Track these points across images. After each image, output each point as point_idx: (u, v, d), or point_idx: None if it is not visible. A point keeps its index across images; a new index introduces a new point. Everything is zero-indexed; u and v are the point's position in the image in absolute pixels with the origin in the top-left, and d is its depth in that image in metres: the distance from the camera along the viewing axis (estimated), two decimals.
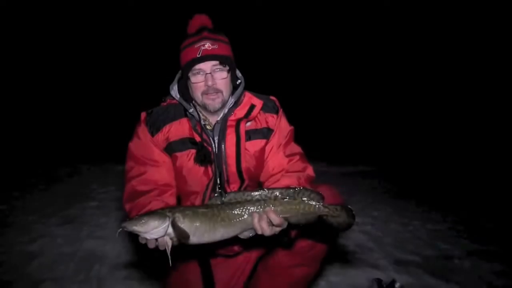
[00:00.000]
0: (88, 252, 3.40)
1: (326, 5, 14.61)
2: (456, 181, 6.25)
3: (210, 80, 1.91)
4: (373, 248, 3.60)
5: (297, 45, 14.89)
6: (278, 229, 1.67)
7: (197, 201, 2.07)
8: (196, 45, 1.91)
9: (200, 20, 2.02)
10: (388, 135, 9.84)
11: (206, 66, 1.91)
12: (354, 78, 13.74)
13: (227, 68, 1.96)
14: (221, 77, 1.94)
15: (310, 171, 2.08)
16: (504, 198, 5.27)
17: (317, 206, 1.68)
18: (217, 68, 1.93)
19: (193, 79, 1.94)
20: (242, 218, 1.66)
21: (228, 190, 2.07)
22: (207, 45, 1.91)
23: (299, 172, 2.03)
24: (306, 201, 1.67)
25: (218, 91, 1.94)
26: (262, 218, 1.63)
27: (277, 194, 1.67)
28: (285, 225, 1.68)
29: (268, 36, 14.36)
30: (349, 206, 1.73)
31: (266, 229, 1.65)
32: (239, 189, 2.10)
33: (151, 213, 1.57)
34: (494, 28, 11.25)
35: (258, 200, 1.66)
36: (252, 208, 1.66)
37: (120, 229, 1.56)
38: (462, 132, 9.56)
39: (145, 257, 3.16)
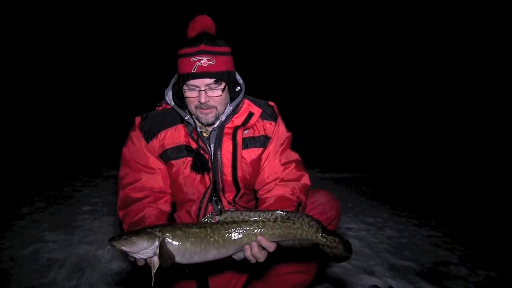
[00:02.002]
0: (80, 257, 3.34)
1: (326, 6, 14.63)
2: (452, 187, 6.25)
3: (203, 97, 1.85)
4: (369, 254, 3.57)
5: (295, 47, 14.90)
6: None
7: (193, 209, 2.03)
8: (192, 59, 1.82)
9: (201, 23, 1.92)
10: (384, 141, 9.85)
11: (200, 83, 1.84)
12: (350, 84, 13.76)
13: (223, 85, 1.88)
14: (215, 95, 1.87)
15: (306, 179, 2.04)
16: (500, 204, 5.26)
17: (315, 234, 1.64)
18: (212, 86, 1.86)
19: (187, 93, 1.88)
20: (238, 239, 1.60)
21: (223, 199, 2.04)
22: (203, 61, 1.82)
23: (294, 181, 1.99)
24: (304, 228, 1.63)
25: (211, 107, 1.89)
26: (253, 247, 1.59)
27: (277, 216, 1.62)
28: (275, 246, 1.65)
29: (267, 37, 14.36)
30: (347, 240, 1.69)
31: (260, 256, 1.61)
32: (235, 198, 2.06)
33: (141, 233, 1.50)
34: (494, 29, 11.29)
35: (256, 222, 1.61)
36: (249, 229, 1.60)
37: (109, 246, 1.52)
38: (458, 138, 9.59)
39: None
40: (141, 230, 1.53)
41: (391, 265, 3.34)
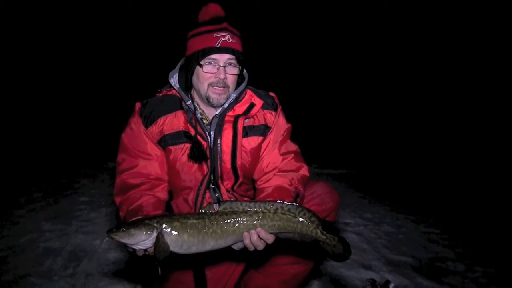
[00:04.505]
0: (77, 247, 3.33)
1: (326, 5, 14.63)
2: (450, 184, 6.25)
3: (223, 73, 1.88)
4: (367, 249, 3.56)
5: (295, 44, 14.90)
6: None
7: (191, 197, 2.02)
8: (216, 35, 1.87)
9: (215, 9, 1.97)
10: (382, 138, 9.84)
11: (222, 58, 1.87)
12: (349, 81, 13.76)
13: (239, 65, 1.93)
14: (232, 73, 1.91)
15: (304, 170, 2.03)
16: (498, 201, 5.26)
17: (315, 230, 1.61)
18: (232, 63, 1.90)
19: (205, 68, 1.88)
20: (236, 230, 1.58)
21: (222, 187, 2.02)
22: (227, 37, 1.87)
23: (293, 171, 1.99)
24: (305, 222, 1.60)
25: (225, 86, 1.91)
26: (252, 235, 1.58)
27: (277, 207, 1.58)
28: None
29: (266, 37, 14.35)
30: (347, 240, 1.67)
31: (259, 244, 1.60)
32: (233, 186, 2.05)
33: (139, 224, 1.50)
34: (494, 29, 11.28)
35: (256, 212, 1.58)
36: (248, 220, 1.57)
37: (107, 238, 1.51)
38: (455, 135, 9.59)
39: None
40: (139, 221, 1.53)
41: (388, 260, 3.34)
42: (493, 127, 9.57)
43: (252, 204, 1.60)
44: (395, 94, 12.45)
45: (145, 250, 1.55)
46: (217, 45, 1.85)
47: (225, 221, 1.57)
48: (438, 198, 5.51)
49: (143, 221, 1.52)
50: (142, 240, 1.49)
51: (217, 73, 1.88)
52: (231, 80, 1.92)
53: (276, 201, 1.61)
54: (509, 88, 10.23)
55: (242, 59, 1.93)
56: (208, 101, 1.94)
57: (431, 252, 3.61)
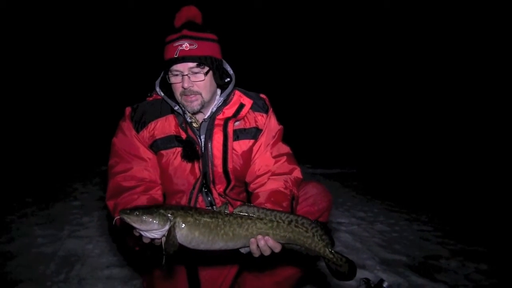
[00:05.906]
0: (69, 251, 3.31)
1: (326, 5, 14.64)
2: (443, 182, 6.29)
3: (187, 82, 1.82)
4: (360, 248, 3.57)
5: (288, 44, 14.91)
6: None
7: (183, 201, 2.01)
8: (175, 44, 1.82)
9: (187, 13, 1.90)
10: (374, 137, 9.88)
11: (183, 67, 1.82)
12: (341, 80, 13.79)
13: (206, 69, 1.86)
14: (198, 79, 1.85)
15: (297, 173, 2.03)
16: (489, 199, 5.30)
17: (323, 248, 1.64)
18: (195, 70, 1.84)
19: (171, 79, 1.86)
20: (248, 235, 1.58)
21: (214, 191, 2.02)
22: (185, 45, 1.80)
23: (286, 174, 1.98)
24: (315, 239, 1.62)
25: (196, 93, 1.86)
26: (259, 240, 1.58)
27: (291, 220, 1.60)
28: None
29: (263, 34, 14.33)
30: (354, 263, 1.70)
31: (266, 250, 1.60)
32: (225, 190, 2.04)
33: (154, 213, 1.46)
34: (494, 29, 11.34)
35: (271, 221, 1.59)
36: (262, 227, 1.58)
37: (118, 217, 1.48)
38: (447, 133, 9.65)
39: (127, 256, 3.10)
40: (154, 209, 1.48)
41: (382, 259, 3.35)
42: (484, 125, 9.65)
43: (268, 212, 1.60)
44: (387, 93, 12.50)
45: (152, 239, 1.53)
46: (175, 55, 1.81)
47: (239, 225, 1.57)
48: (431, 196, 5.54)
49: (158, 210, 1.48)
50: (153, 229, 1.46)
51: (182, 83, 1.84)
52: (200, 86, 1.86)
53: (291, 213, 1.64)
54: (508, 88, 10.29)
55: (209, 62, 1.85)
56: (186, 110, 1.92)
57: (424, 250, 3.63)
